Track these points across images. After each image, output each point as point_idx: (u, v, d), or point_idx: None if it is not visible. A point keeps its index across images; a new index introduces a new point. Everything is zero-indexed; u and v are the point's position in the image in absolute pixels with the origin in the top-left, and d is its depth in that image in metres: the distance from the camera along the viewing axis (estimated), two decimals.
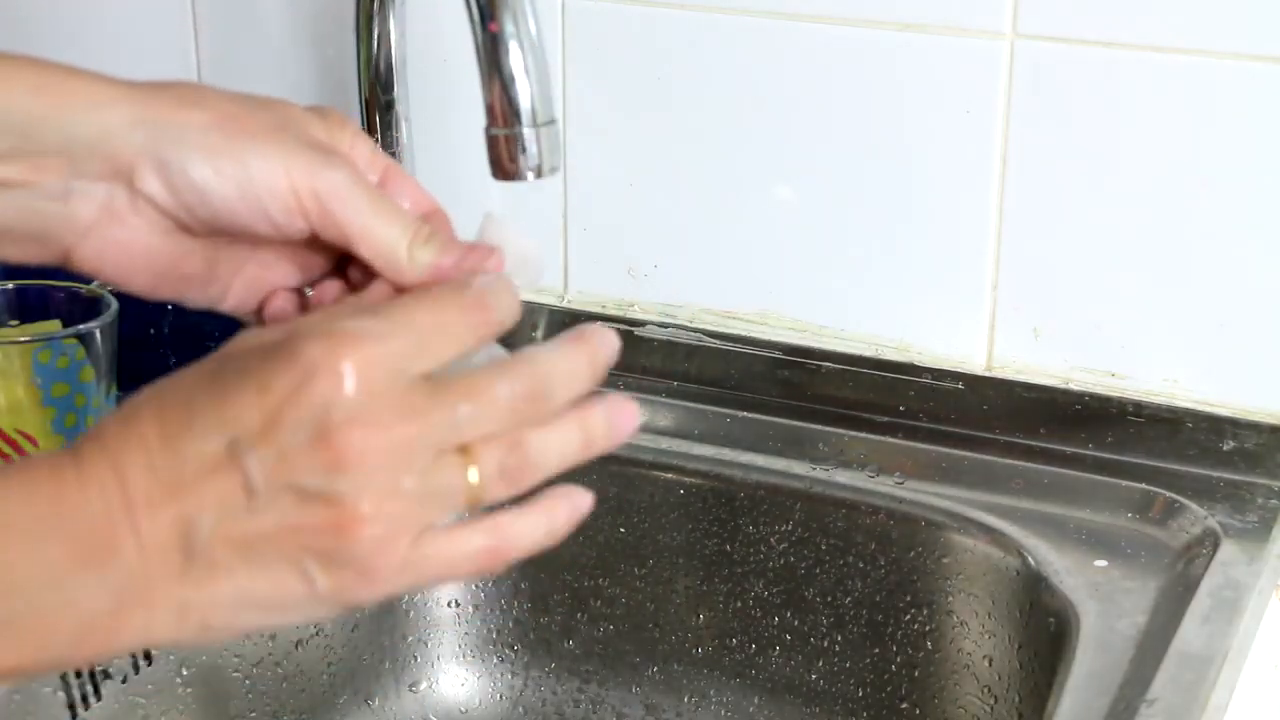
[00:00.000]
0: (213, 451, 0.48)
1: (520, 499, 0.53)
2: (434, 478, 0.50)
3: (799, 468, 0.96)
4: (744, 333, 1.02)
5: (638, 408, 0.54)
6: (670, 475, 0.97)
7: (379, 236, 0.55)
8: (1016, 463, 0.94)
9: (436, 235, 0.56)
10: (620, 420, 0.53)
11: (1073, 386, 0.95)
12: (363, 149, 0.59)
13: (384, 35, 0.96)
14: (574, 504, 0.53)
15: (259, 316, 0.59)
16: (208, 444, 0.49)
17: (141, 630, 0.49)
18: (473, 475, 0.51)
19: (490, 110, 0.78)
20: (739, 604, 0.97)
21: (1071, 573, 0.85)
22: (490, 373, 0.51)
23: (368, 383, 0.49)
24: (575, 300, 1.06)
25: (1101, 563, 0.85)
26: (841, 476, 0.95)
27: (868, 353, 0.99)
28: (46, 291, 0.92)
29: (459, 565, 0.51)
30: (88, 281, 0.92)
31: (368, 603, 0.51)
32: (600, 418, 0.53)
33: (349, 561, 0.49)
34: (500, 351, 0.54)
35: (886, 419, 0.99)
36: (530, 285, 0.58)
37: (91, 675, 0.84)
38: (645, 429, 1.01)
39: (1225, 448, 0.92)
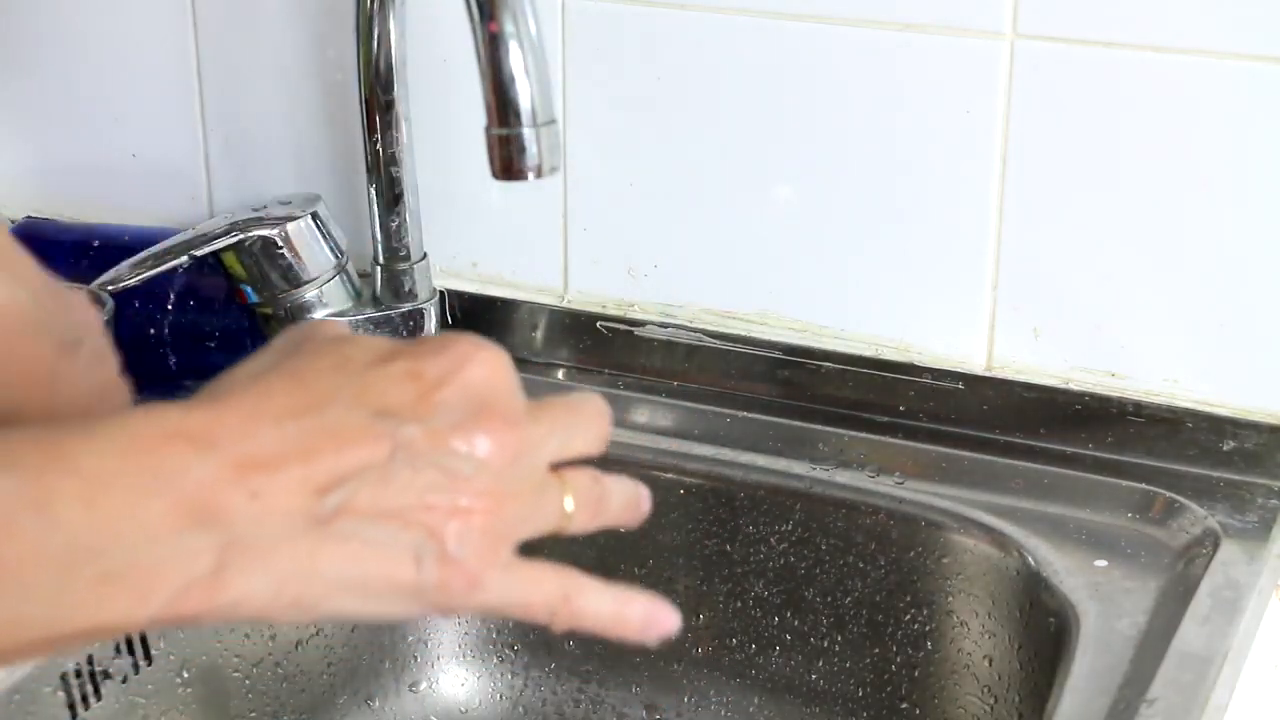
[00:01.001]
0: (360, 421, 0.49)
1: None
2: (543, 491, 0.53)
3: (799, 468, 0.96)
4: (744, 333, 1.02)
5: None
6: (670, 475, 0.97)
7: None
8: (1016, 463, 0.94)
9: None
10: (643, 500, 0.58)
11: (1073, 386, 0.95)
12: None
13: (384, 35, 0.96)
14: (653, 610, 0.55)
15: None
16: (354, 415, 0.49)
17: (238, 597, 0.48)
18: (568, 503, 0.53)
19: (490, 110, 0.78)
20: (739, 604, 0.97)
21: (1071, 573, 0.85)
22: (573, 398, 0.55)
23: (507, 384, 0.52)
24: (575, 300, 1.06)
25: (1101, 563, 0.85)
26: (841, 476, 0.95)
27: (868, 353, 0.99)
28: None
29: (530, 600, 0.52)
30: (86, 282, 0.92)
31: (456, 609, 0.51)
32: (644, 490, 0.57)
33: (463, 556, 0.50)
34: None
35: (886, 419, 0.99)
36: None
37: (91, 675, 0.84)
38: (645, 429, 1.01)
39: (1225, 448, 0.92)
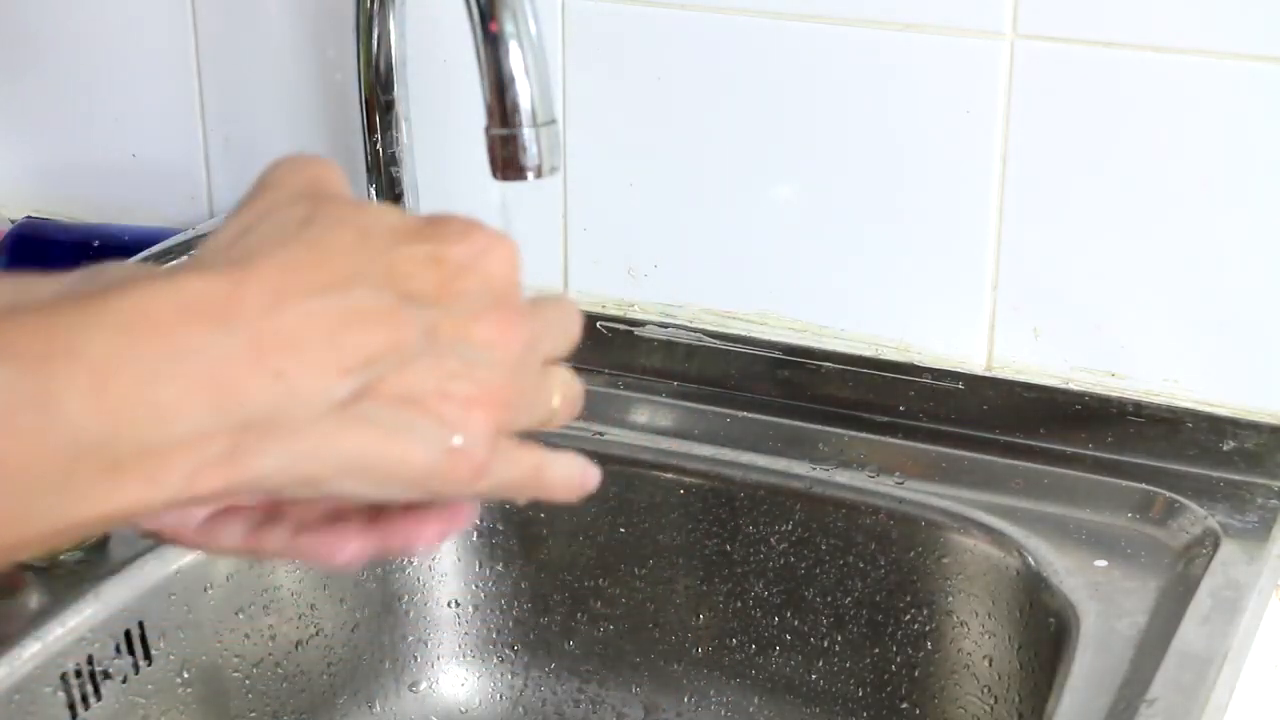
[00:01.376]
0: (387, 304, 0.48)
1: None
2: (540, 385, 0.53)
3: (799, 468, 0.96)
4: (744, 333, 1.02)
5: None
6: (670, 475, 0.97)
7: None
8: (1016, 463, 0.94)
9: None
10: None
11: (1073, 386, 0.95)
12: None
13: (384, 35, 0.96)
14: (589, 468, 0.56)
15: None
16: (381, 297, 0.48)
17: (253, 478, 0.47)
18: (556, 399, 0.54)
19: (490, 110, 0.78)
20: (739, 604, 0.97)
21: (1071, 573, 0.85)
22: (556, 297, 0.56)
23: (519, 277, 0.52)
24: (575, 300, 1.06)
25: (1101, 563, 0.85)
26: (841, 476, 0.95)
27: (868, 353, 0.99)
28: None
29: (516, 480, 0.53)
30: None
31: (459, 495, 0.52)
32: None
33: (472, 447, 0.50)
34: None
35: (886, 419, 0.99)
36: None
37: (91, 675, 0.84)
38: (645, 429, 1.01)
39: (1225, 448, 0.92)
